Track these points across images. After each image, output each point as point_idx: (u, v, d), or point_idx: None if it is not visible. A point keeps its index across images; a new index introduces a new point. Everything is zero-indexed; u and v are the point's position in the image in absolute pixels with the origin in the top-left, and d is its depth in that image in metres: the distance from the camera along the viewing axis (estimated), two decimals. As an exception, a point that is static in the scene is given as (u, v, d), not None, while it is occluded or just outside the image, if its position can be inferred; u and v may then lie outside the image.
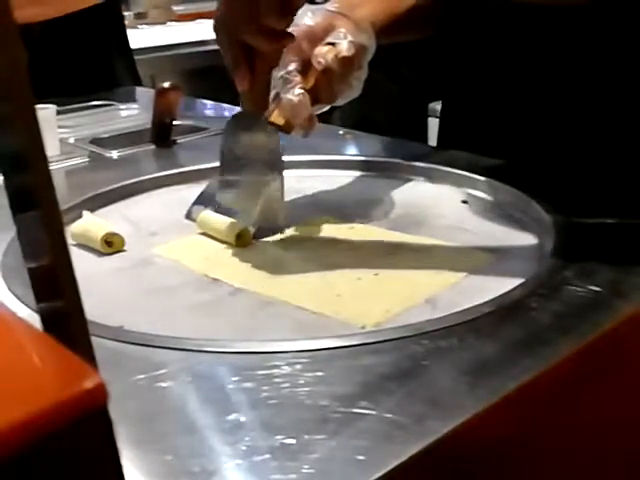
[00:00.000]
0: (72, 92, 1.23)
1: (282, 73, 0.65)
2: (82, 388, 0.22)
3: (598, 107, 0.80)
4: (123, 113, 1.21)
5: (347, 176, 0.87)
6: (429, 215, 0.74)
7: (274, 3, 0.62)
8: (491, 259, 0.64)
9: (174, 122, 1.01)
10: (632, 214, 0.67)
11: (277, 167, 0.73)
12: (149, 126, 1.02)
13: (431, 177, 0.83)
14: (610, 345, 0.50)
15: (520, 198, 0.72)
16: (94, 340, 0.26)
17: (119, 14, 1.49)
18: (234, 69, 0.67)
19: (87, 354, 0.25)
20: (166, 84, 0.99)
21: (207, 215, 0.72)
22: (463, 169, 0.81)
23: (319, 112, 0.70)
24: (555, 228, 0.64)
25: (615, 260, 0.58)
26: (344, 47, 0.66)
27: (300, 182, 0.85)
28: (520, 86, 0.85)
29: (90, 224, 0.71)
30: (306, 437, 0.39)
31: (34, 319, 0.27)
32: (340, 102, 0.70)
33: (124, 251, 0.68)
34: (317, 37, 0.67)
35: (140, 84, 1.49)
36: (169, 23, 2.88)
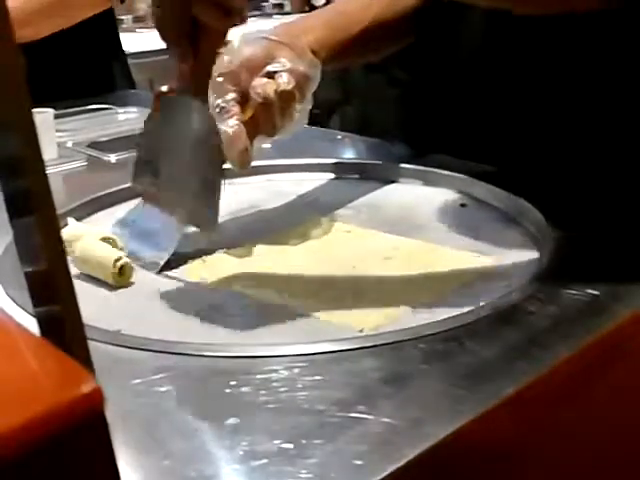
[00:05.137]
0: (69, 96, 1.23)
1: (219, 102, 0.62)
2: (79, 392, 0.22)
3: (592, 110, 0.80)
4: (121, 117, 1.21)
5: (345, 179, 0.87)
6: (427, 218, 0.74)
7: None
8: (489, 263, 0.64)
9: (172, 126, 1.01)
10: (631, 219, 0.67)
11: (214, 162, 0.63)
12: (147, 130, 1.01)
13: (429, 180, 0.83)
14: (608, 349, 0.50)
15: (518, 203, 0.72)
16: (91, 344, 0.26)
17: (113, 18, 1.49)
18: (176, 45, 0.64)
19: (84, 358, 0.25)
20: (164, 88, 0.99)
21: (83, 247, 0.61)
22: (461, 173, 0.81)
23: (260, 145, 0.66)
24: (553, 233, 0.64)
25: (613, 264, 0.59)
26: (284, 80, 0.63)
27: (297, 185, 0.85)
28: (510, 90, 0.85)
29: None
30: (304, 442, 0.38)
31: (31, 323, 0.27)
32: (284, 136, 0.66)
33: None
34: (256, 67, 0.65)
35: (134, 87, 1.49)
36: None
